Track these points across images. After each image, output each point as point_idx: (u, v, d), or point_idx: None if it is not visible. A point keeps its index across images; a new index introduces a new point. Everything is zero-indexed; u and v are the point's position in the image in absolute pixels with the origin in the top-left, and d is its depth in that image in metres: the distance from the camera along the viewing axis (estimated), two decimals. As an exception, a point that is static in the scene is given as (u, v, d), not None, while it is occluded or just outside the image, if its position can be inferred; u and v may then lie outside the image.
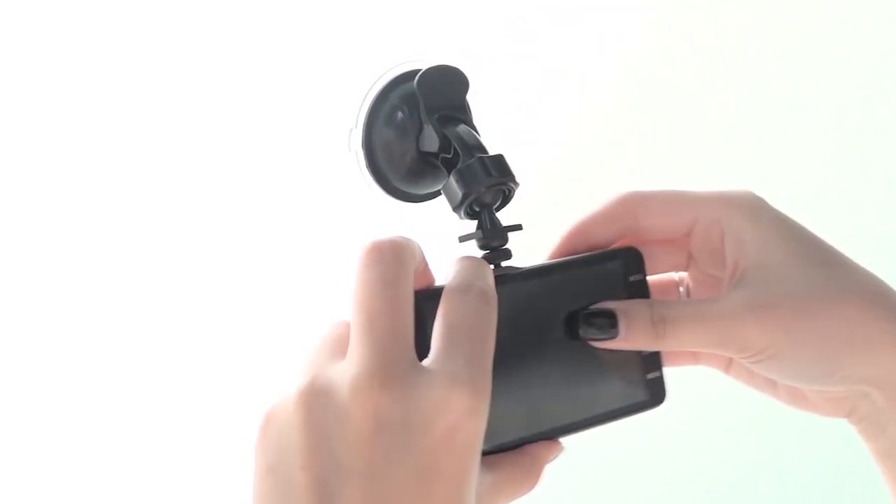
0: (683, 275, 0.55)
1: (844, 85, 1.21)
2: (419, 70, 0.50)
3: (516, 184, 0.49)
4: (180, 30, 0.95)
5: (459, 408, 0.39)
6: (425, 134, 0.50)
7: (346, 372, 0.39)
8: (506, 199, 0.50)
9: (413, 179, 0.52)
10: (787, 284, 0.48)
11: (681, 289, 0.54)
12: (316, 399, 0.39)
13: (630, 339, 0.49)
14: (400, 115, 0.51)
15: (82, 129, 0.96)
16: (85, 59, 0.94)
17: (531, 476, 0.46)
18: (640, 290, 0.51)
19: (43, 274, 0.97)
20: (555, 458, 0.47)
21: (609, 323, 0.49)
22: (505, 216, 0.51)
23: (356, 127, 0.51)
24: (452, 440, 0.39)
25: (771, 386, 0.53)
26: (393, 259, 0.41)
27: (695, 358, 0.54)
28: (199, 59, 0.96)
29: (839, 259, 0.50)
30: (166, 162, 0.97)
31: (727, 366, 0.54)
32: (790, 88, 1.20)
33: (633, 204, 0.51)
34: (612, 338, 0.49)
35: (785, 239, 0.49)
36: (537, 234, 0.65)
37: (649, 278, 0.53)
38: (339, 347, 0.42)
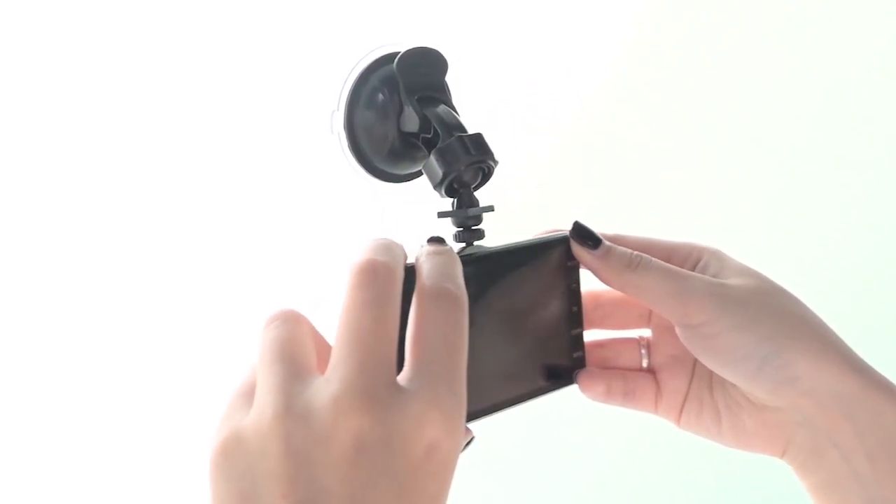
0: (645, 334, 0.59)
1: (841, 83, 1.21)
2: (399, 52, 0.51)
3: (495, 161, 0.50)
4: (153, 10, 0.96)
5: (437, 428, 0.39)
6: (406, 115, 0.51)
7: (326, 392, 0.38)
8: (485, 177, 0.51)
9: (395, 160, 0.53)
10: (745, 284, 0.54)
11: (642, 350, 0.58)
12: (294, 424, 0.38)
13: (607, 258, 0.54)
14: (381, 96, 0.51)
15: (47, 118, 0.96)
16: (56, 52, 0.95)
17: None
18: (574, 275, 0.56)
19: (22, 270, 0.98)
20: (466, 445, 0.48)
21: (594, 240, 0.54)
22: (504, 209, 0.53)
23: (338, 109, 0.51)
24: (430, 460, 0.39)
25: (716, 425, 0.55)
26: (385, 281, 0.41)
27: (656, 399, 0.58)
28: (176, 41, 0.96)
29: (793, 294, 0.55)
30: (140, 142, 0.97)
31: (679, 413, 0.57)
32: (787, 81, 1.20)
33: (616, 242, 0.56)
34: (592, 250, 0.54)
35: (745, 268, 0.55)
36: (532, 222, 0.65)
37: (613, 335, 0.59)
38: (305, 365, 0.41)
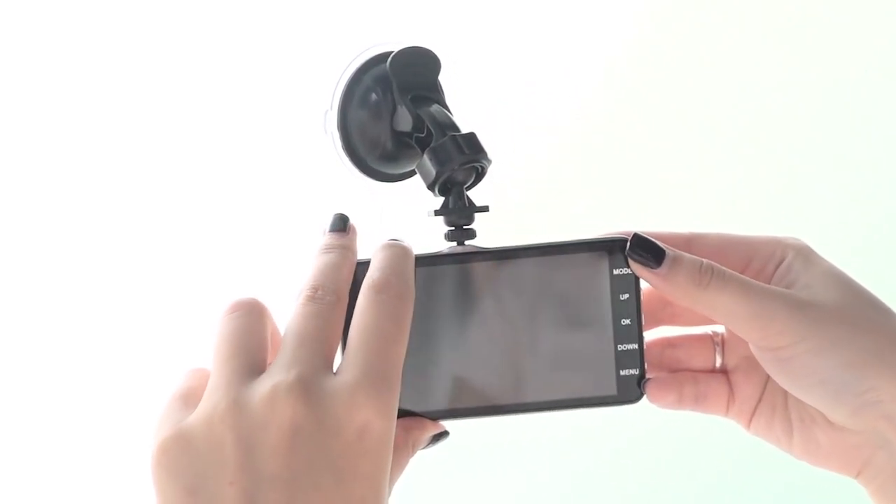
0: (719, 330, 0.54)
1: (841, 83, 1.21)
2: (392, 52, 0.51)
3: (489, 161, 0.50)
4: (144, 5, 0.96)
5: (369, 411, 0.41)
6: (399, 114, 0.51)
7: (266, 384, 0.41)
8: (479, 176, 0.51)
9: (388, 159, 0.53)
10: (830, 297, 0.49)
11: (716, 346, 0.54)
12: (239, 415, 0.41)
13: (672, 276, 0.48)
14: (374, 96, 0.52)
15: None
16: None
17: (404, 454, 0.47)
18: (626, 287, 0.50)
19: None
20: (430, 438, 0.48)
21: (655, 254, 0.49)
22: (503, 210, 0.53)
23: (331, 109, 0.52)
24: (363, 441, 0.41)
25: (787, 437, 0.52)
26: (329, 302, 0.44)
27: (728, 403, 0.53)
28: (171, 41, 0.96)
29: (885, 304, 0.50)
30: (133, 143, 0.97)
31: (749, 418, 0.53)
32: (787, 81, 1.20)
33: (692, 245, 0.51)
34: (652, 268, 0.49)
35: (832, 273, 0.50)
36: (531, 222, 0.65)
37: (686, 332, 0.54)
38: (259, 360, 0.43)
